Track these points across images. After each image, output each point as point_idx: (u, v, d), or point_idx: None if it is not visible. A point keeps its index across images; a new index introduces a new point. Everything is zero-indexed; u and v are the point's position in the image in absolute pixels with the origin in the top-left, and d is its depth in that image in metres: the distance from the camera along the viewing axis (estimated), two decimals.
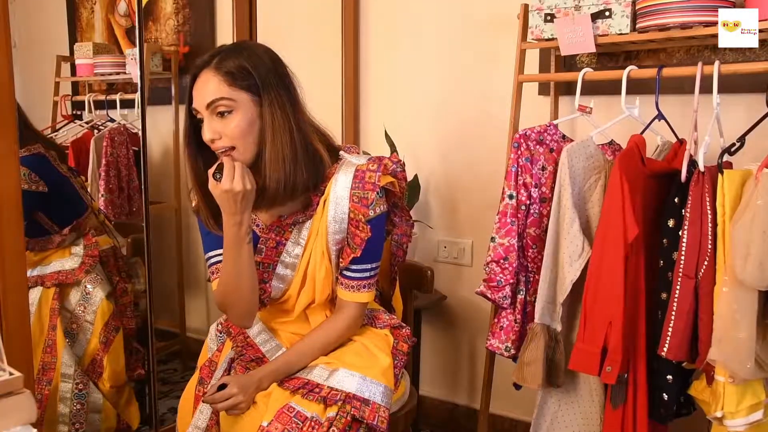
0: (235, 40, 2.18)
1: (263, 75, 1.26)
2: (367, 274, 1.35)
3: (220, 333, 1.48)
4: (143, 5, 2.12)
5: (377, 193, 1.31)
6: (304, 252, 1.35)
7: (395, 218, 1.47)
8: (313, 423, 1.20)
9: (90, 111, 2.57)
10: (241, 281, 1.29)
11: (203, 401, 1.31)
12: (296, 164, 1.27)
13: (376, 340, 1.39)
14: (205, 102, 1.24)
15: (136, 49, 1.93)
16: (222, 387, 1.26)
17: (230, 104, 1.23)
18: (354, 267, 1.34)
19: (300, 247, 1.35)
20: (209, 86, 1.24)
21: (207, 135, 1.25)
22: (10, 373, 0.83)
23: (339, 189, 1.31)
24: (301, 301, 1.38)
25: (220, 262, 1.34)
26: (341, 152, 1.38)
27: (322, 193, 1.33)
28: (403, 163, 1.41)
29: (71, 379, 1.94)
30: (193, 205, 1.38)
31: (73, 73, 2.63)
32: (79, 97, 2.63)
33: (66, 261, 2.02)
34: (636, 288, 1.48)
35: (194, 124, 1.29)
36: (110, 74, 2.57)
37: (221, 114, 1.24)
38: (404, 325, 1.48)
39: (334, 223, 1.32)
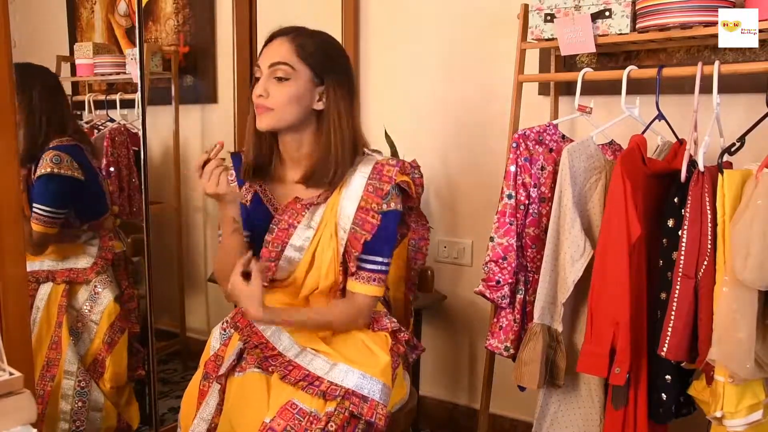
0: (235, 40, 2.19)
1: (332, 63, 1.35)
2: (376, 267, 1.37)
3: (225, 330, 1.48)
4: (143, 5, 2.12)
5: (392, 188, 1.36)
6: (314, 235, 1.37)
7: (411, 222, 1.50)
8: (311, 418, 1.21)
9: (90, 111, 2.56)
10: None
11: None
12: (344, 154, 1.35)
13: (375, 338, 1.40)
14: (270, 61, 1.33)
15: (136, 49, 1.93)
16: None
17: (290, 72, 1.32)
18: (364, 257, 1.36)
19: (311, 230, 1.38)
20: (279, 49, 1.33)
21: (257, 90, 1.33)
22: (10, 373, 0.84)
23: (357, 178, 1.37)
24: (307, 284, 1.40)
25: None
26: (365, 149, 1.44)
27: (340, 179, 1.37)
28: (421, 172, 1.47)
29: (73, 377, 1.94)
30: (243, 149, 1.44)
31: (73, 73, 2.63)
32: (79, 97, 2.63)
33: (79, 259, 2.02)
34: (639, 288, 1.48)
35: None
36: (110, 74, 2.56)
37: (279, 78, 1.32)
38: (404, 329, 1.48)
39: (347, 210, 1.35)
